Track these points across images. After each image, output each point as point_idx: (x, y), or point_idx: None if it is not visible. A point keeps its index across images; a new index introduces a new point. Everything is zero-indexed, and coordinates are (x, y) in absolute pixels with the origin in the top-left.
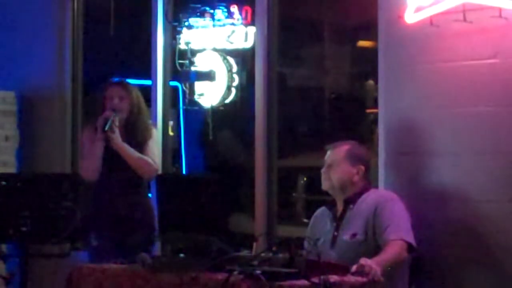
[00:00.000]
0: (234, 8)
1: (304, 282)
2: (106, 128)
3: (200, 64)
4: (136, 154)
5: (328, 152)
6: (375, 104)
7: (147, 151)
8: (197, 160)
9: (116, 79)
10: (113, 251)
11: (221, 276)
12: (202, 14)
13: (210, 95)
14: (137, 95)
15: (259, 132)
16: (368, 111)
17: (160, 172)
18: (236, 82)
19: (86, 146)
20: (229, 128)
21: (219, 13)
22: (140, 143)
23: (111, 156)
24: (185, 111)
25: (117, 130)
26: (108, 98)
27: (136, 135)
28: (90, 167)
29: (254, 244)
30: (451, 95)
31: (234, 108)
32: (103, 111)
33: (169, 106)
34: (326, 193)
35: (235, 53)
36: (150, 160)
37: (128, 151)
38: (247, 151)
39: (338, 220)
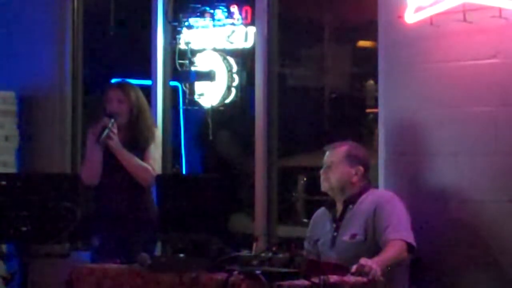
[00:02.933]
0: (234, 8)
1: (304, 282)
2: (102, 138)
3: (200, 64)
4: (135, 160)
5: (327, 153)
6: (375, 104)
7: (148, 157)
8: (197, 160)
9: (116, 81)
10: (116, 251)
11: (221, 276)
12: (202, 14)
13: (210, 95)
14: (137, 96)
15: (259, 132)
16: (368, 111)
17: (160, 172)
18: (236, 82)
19: (88, 150)
20: (229, 128)
21: (219, 13)
22: (142, 147)
23: (113, 156)
24: (185, 111)
25: (115, 137)
26: (108, 101)
27: (138, 139)
28: (90, 172)
29: (254, 244)
30: (451, 95)
31: (234, 108)
32: (104, 115)
33: (169, 106)
34: (326, 193)
35: (235, 53)
36: (149, 167)
37: (127, 158)
38: (247, 151)
39: (338, 221)
